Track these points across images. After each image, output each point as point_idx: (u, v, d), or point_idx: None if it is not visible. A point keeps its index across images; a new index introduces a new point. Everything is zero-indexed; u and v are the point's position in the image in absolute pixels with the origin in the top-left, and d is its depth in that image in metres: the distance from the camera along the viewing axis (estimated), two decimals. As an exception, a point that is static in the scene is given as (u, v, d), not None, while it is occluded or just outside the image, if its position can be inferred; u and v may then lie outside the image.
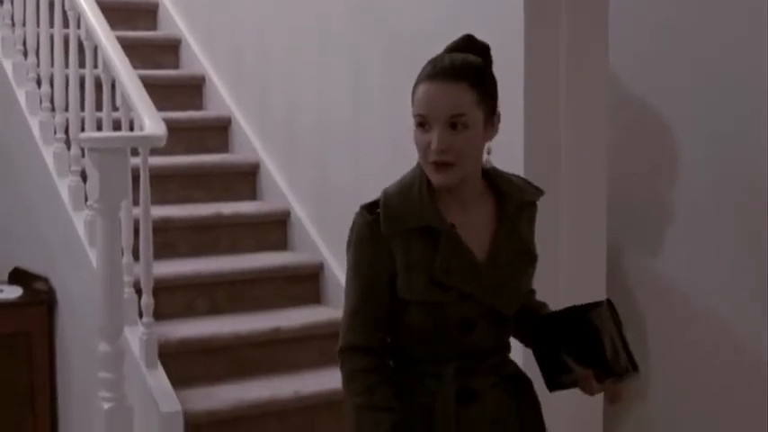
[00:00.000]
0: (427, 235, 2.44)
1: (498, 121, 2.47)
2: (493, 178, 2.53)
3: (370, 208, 2.48)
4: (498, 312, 2.49)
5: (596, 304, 2.50)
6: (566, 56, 3.79)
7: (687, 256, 4.48)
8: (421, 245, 2.43)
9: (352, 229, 2.51)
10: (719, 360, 4.37)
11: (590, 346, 2.49)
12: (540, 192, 2.62)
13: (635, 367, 2.47)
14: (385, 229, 2.44)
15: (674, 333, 4.51)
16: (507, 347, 2.59)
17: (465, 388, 2.46)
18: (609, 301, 2.50)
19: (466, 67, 2.41)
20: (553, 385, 2.58)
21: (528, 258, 2.56)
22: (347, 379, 2.49)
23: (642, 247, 4.64)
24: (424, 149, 2.40)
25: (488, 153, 2.50)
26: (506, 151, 3.73)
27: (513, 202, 2.53)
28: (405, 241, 2.43)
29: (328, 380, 4.54)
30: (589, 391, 2.51)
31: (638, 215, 4.64)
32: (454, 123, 2.37)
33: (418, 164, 2.48)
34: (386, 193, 2.49)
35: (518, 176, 2.63)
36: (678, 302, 4.51)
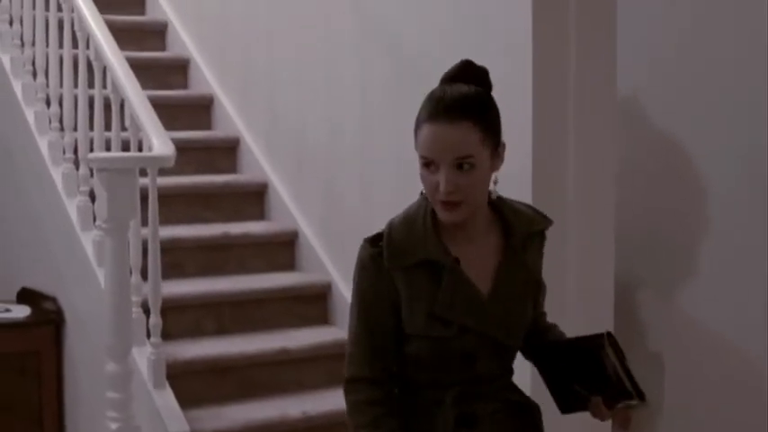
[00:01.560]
0: (431, 268, 2.43)
1: (504, 151, 2.46)
2: (499, 208, 2.52)
3: (374, 241, 2.48)
4: (501, 344, 2.49)
5: (595, 337, 2.49)
6: (574, 83, 3.79)
7: (702, 290, 4.45)
8: (424, 279, 2.43)
9: (356, 262, 2.51)
10: (733, 391, 4.35)
11: (592, 375, 2.50)
12: (548, 220, 2.61)
13: (640, 395, 2.47)
14: (388, 262, 2.43)
15: (687, 365, 4.49)
16: (510, 372, 2.59)
17: (465, 413, 2.46)
18: (609, 333, 2.48)
19: (468, 103, 2.37)
20: (564, 408, 2.59)
21: (534, 288, 2.56)
22: (352, 410, 2.48)
23: (655, 279, 4.61)
24: (431, 189, 2.39)
25: (494, 183, 2.48)
26: (514, 180, 3.75)
27: (519, 233, 2.52)
28: (408, 274, 2.43)
29: (336, 400, 4.49)
30: (599, 416, 2.52)
31: (649, 244, 4.63)
32: (461, 164, 2.34)
33: (423, 195, 2.47)
34: (390, 226, 2.48)
35: (526, 205, 2.63)
36: (692, 334, 4.48)
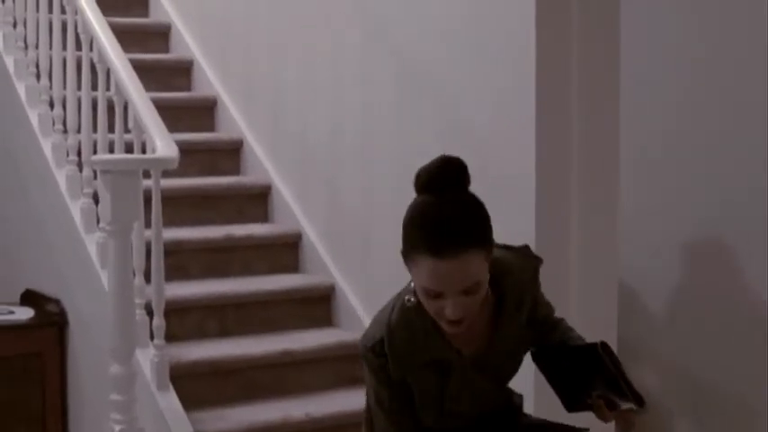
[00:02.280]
0: (436, 366, 2.46)
1: None
2: (495, 276, 2.42)
3: (376, 349, 2.45)
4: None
5: (589, 347, 2.51)
6: (577, 83, 3.79)
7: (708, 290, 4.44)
8: (432, 376, 2.46)
9: (364, 367, 2.52)
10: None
11: (592, 379, 2.51)
12: (537, 260, 2.57)
13: (638, 401, 2.48)
14: (395, 371, 2.44)
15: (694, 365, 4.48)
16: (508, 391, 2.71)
17: None
18: (603, 343, 2.48)
19: (471, 229, 2.28)
20: (570, 407, 2.60)
21: (528, 338, 2.58)
22: None
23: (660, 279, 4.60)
24: (435, 311, 2.33)
25: None
26: (517, 181, 3.75)
27: (513, 298, 2.50)
28: (416, 375, 2.46)
29: (340, 402, 4.53)
30: (602, 417, 2.53)
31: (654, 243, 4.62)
32: (468, 291, 2.29)
33: (403, 296, 2.45)
34: (390, 330, 2.44)
35: (513, 250, 2.56)
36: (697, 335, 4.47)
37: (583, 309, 3.73)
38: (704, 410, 4.47)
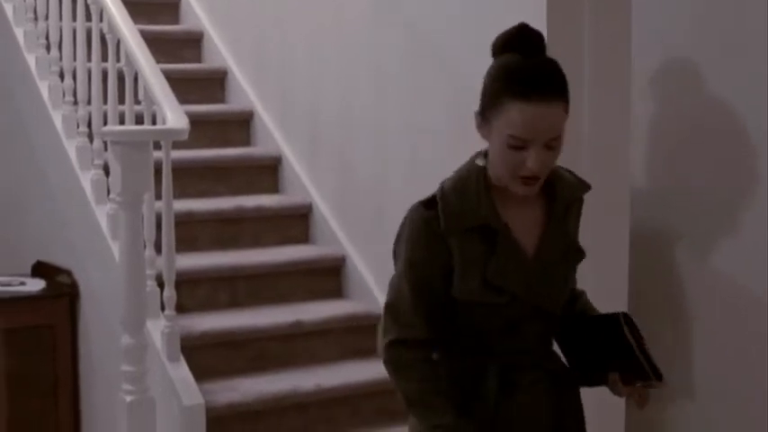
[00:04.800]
0: (483, 233, 2.41)
1: None
2: (549, 179, 2.46)
3: (428, 204, 2.44)
4: (545, 311, 2.49)
5: (612, 316, 2.49)
6: (588, 72, 3.79)
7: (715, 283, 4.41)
8: (477, 244, 2.41)
9: (405, 225, 2.47)
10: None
11: (610, 352, 2.50)
12: (587, 186, 2.58)
13: (658, 376, 2.46)
14: (444, 226, 2.40)
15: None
16: (551, 342, 2.60)
17: (508, 381, 2.46)
18: (625, 314, 2.48)
19: (558, 81, 2.33)
20: (583, 381, 2.59)
21: (575, 256, 2.55)
22: (402, 368, 2.46)
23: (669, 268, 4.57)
24: (513, 166, 2.34)
25: None
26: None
27: (562, 199, 2.50)
28: (462, 239, 2.41)
29: (349, 373, 4.55)
30: (617, 392, 2.52)
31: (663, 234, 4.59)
32: (550, 143, 2.32)
33: (474, 159, 2.45)
34: (443, 190, 2.44)
35: (566, 170, 2.60)
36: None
37: (594, 294, 3.73)
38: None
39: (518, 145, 2.31)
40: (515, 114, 2.29)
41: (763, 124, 4.16)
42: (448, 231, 2.40)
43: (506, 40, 2.38)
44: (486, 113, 2.36)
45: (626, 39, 3.92)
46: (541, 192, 2.47)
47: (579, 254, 2.56)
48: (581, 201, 2.58)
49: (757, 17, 4.18)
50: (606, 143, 3.88)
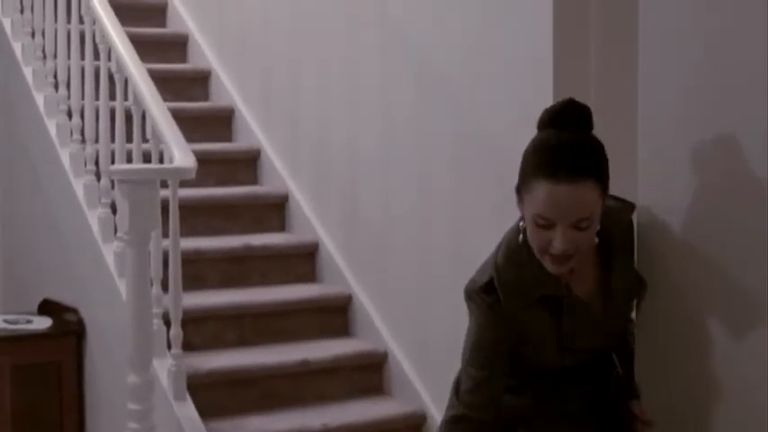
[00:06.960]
0: (548, 302, 2.40)
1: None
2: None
3: (486, 289, 2.41)
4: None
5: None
6: (594, 77, 3.78)
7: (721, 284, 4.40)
8: (544, 314, 2.40)
9: (471, 310, 2.46)
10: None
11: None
12: (631, 206, 2.52)
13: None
14: (507, 306, 2.38)
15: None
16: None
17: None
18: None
19: (590, 160, 2.27)
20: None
21: (640, 290, 2.51)
22: None
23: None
24: (541, 244, 2.29)
25: None
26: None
27: (618, 236, 2.45)
28: (527, 313, 2.40)
29: (356, 412, 4.53)
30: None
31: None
32: (579, 224, 2.26)
33: (518, 224, 2.41)
34: (498, 269, 2.40)
35: (609, 195, 2.50)
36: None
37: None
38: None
39: (544, 224, 2.26)
40: (540, 193, 2.24)
41: (762, 124, 4.14)
42: (512, 311, 2.39)
43: (551, 115, 2.34)
44: (520, 190, 2.33)
45: (631, 76, 3.92)
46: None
47: (642, 284, 2.50)
48: (630, 223, 2.51)
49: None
50: (613, 157, 3.87)
